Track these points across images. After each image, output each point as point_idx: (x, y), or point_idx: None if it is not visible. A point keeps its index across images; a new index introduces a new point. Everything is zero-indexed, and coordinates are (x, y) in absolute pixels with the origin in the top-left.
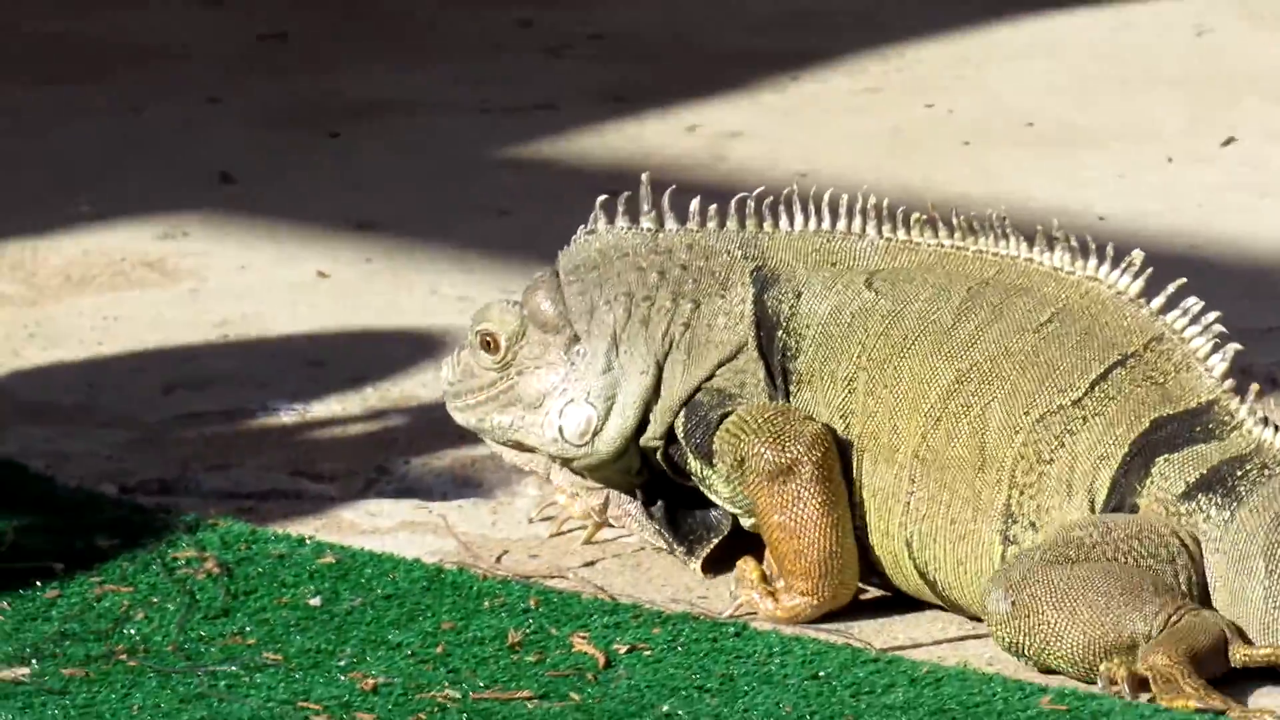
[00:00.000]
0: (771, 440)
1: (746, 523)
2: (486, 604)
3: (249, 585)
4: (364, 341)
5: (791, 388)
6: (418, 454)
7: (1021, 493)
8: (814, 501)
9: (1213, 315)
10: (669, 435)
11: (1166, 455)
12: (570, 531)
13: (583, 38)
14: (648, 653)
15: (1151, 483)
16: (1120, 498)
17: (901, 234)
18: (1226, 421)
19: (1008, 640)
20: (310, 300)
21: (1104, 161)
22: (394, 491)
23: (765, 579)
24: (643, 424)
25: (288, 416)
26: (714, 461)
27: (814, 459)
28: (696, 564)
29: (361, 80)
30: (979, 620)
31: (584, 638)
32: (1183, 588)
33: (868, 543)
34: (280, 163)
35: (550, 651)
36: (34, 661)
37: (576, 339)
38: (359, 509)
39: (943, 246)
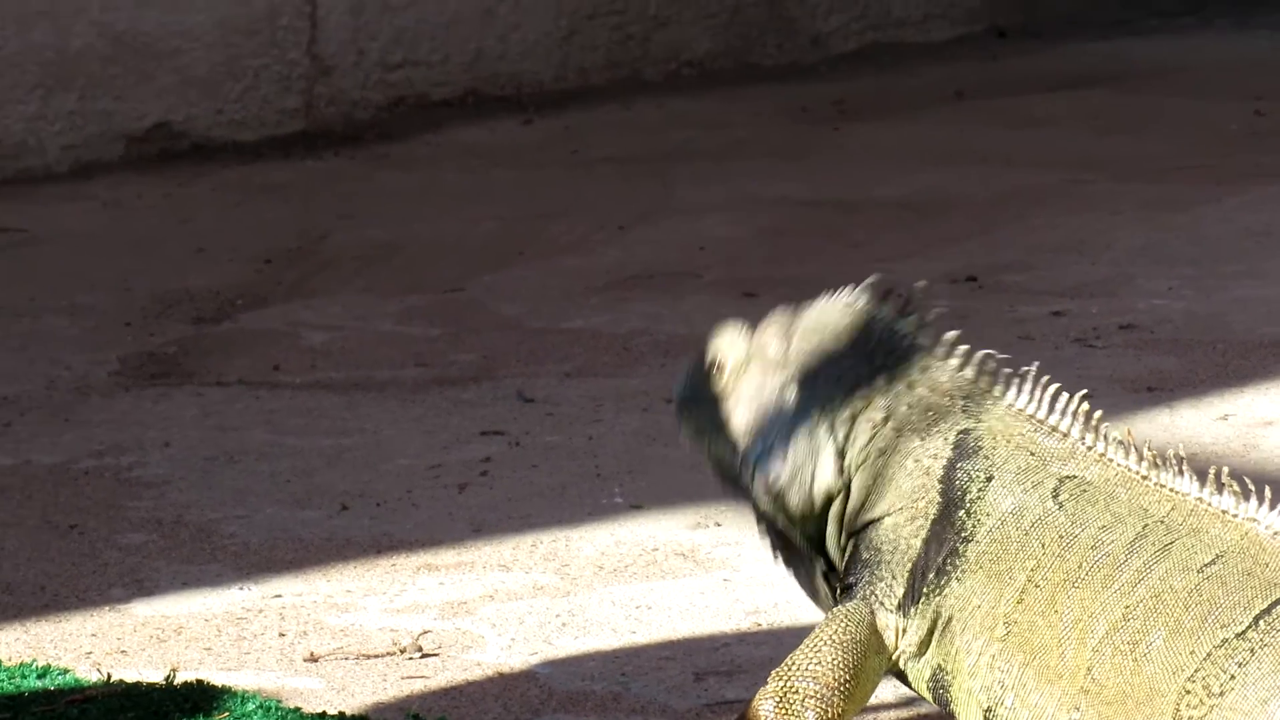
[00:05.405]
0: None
1: None
2: None
3: None
4: None
5: (956, 569)
6: None
7: None
8: None
9: None
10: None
11: None
12: None
13: (1113, 328)
14: None
15: None
16: None
17: (1100, 446)
18: None
19: None
20: None
21: None
22: None
23: None
24: (824, 515)
25: None
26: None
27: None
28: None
29: None
30: None
31: None
32: None
33: None
34: None
35: None
36: None
37: (792, 382)
38: None
39: (1130, 470)
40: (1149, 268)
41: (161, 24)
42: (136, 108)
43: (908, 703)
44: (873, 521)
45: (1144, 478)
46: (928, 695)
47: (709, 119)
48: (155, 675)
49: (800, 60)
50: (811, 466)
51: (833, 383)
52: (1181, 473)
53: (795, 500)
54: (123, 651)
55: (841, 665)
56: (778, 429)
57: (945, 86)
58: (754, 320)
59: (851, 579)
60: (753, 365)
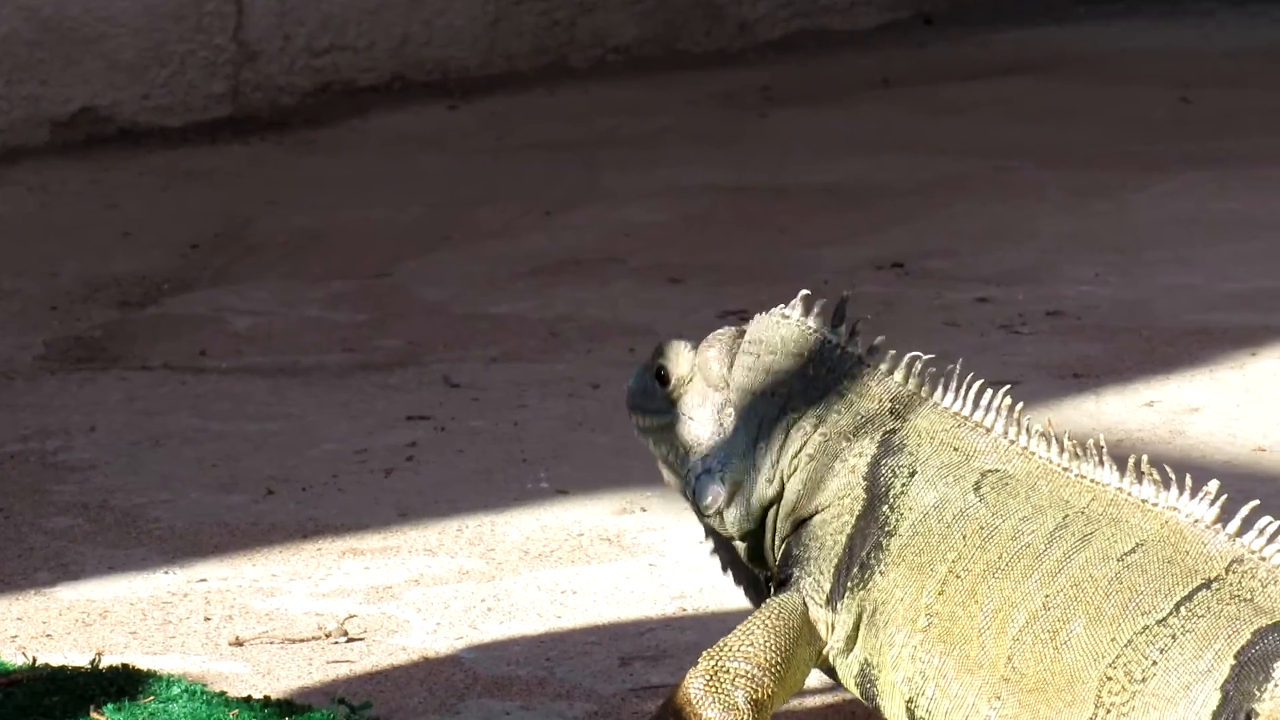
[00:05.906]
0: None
1: None
2: None
3: None
4: None
5: (880, 562)
6: None
7: (1109, 711)
8: None
9: None
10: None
11: None
12: None
13: (1039, 315)
14: None
15: (1276, 686)
16: (1236, 706)
17: (1023, 439)
18: None
19: None
20: None
21: None
22: None
23: None
24: (762, 525)
25: None
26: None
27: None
28: None
29: None
30: None
31: None
32: None
33: None
34: None
35: None
36: None
37: (729, 405)
38: None
39: (1051, 463)
40: (1075, 254)
41: (87, 9)
42: (62, 92)
43: (832, 689)
44: (803, 520)
45: (1065, 469)
46: (856, 691)
47: (635, 106)
48: (80, 659)
49: (727, 47)
50: (750, 483)
51: (768, 399)
52: (1102, 463)
53: (737, 516)
54: (48, 635)
55: (774, 649)
56: (717, 452)
57: (872, 74)
58: (697, 331)
59: (784, 574)
60: (696, 382)
